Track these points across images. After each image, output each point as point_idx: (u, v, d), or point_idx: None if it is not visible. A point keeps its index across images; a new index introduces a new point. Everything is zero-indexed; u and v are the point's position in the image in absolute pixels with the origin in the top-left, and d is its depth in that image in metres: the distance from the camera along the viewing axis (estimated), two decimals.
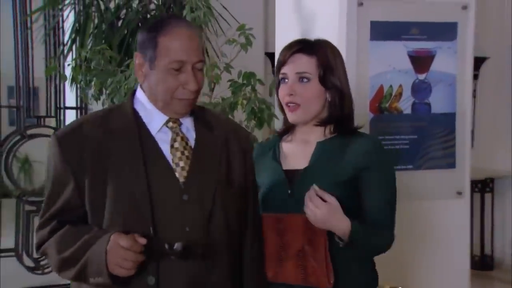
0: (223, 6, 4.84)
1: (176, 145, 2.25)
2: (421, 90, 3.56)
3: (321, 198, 2.33)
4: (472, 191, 7.03)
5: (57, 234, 2.20)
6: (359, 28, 3.35)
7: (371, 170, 2.46)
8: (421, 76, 3.56)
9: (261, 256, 2.47)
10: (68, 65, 4.22)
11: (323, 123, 2.53)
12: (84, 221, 2.21)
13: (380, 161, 2.49)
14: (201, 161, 2.27)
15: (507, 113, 7.27)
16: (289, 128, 2.63)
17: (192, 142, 2.28)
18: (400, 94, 3.53)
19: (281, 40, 3.94)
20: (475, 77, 7.17)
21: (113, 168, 2.17)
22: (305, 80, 2.48)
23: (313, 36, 3.57)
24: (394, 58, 3.48)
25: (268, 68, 6.80)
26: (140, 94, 2.30)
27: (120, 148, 2.19)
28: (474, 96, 7.01)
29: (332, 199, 2.33)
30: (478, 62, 7.14)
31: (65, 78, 4.16)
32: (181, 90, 2.20)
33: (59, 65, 5.02)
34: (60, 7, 5.13)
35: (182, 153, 2.25)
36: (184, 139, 2.27)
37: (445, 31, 3.58)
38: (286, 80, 2.51)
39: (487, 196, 7.28)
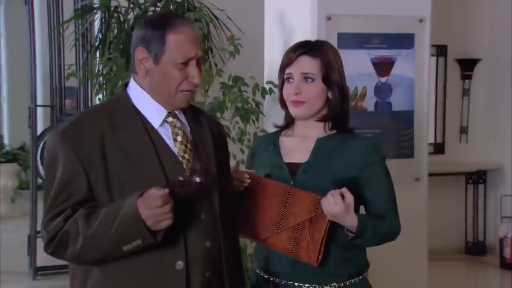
0: (228, 17, 5.40)
1: (179, 138, 2.29)
2: (383, 91, 4.11)
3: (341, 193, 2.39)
4: (466, 182, 7.51)
5: (73, 218, 2.15)
6: (328, 38, 3.71)
7: (372, 167, 2.55)
8: (383, 79, 4.11)
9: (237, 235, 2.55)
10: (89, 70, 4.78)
11: (323, 119, 2.61)
12: None
13: (379, 159, 2.59)
14: (202, 153, 2.33)
15: (499, 110, 7.49)
16: (289, 124, 2.70)
17: (188, 135, 2.33)
18: (364, 95, 4.08)
19: (269, 47, 4.55)
20: (469, 77, 7.53)
21: (129, 162, 2.18)
22: (309, 80, 2.56)
23: (292, 43, 4.17)
24: (358, 64, 4.03)
25: None
26: (135, 88, 2.30)
27: (132, 142, 2.21)
28: (468, 95, 7.53)
29: (350, 198, 2.39)
30: (472, 63, 7.52)
31: (83, 81, 4.73)
32: (186, 83, 2.25)
33: (85, 69, 5.58)
34: (87, 17, 5.74)
35: (186, 146, 2.29)
36: (185, 133, 2.32)
37: (404, 40, 4.13)
38: (291, 80, 2.59)
39: (480, 187, 7.52)
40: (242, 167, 4.18)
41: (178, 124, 2.31)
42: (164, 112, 2.29)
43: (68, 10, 6.30)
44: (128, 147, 2.19)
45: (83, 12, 5.63)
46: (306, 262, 2.46)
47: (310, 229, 2.44)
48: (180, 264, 2.19)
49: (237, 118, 4.18)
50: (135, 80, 2.30)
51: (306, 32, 4.01)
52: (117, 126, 2.22)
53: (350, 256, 2.56)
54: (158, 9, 5.35)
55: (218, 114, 4.13)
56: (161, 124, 2.28)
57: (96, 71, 4.98)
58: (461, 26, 7.52)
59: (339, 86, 2.58)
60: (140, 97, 2.29)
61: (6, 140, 11.47)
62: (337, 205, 2.36)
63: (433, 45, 7.23)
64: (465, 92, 7.62)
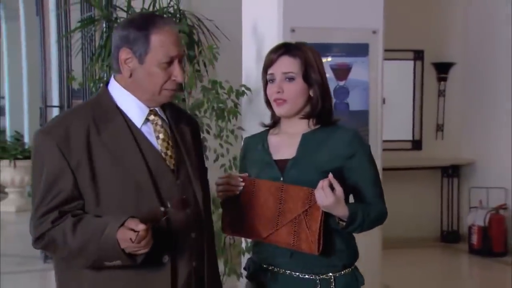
0: (216, 27, 5.95)
1: (161, 136, 2.31)
2: (341, 93, 4.58)
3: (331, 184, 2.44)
4: (442, 176, 8.01)
5: (61, 225, 2.16)
6: None
7: (356, 156, 2.60)
8: (341, 83, 4.58)
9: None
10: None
11: (307, 116, 2.65)
12: (82, 211, 2.21)
13: (362, 148, 2.64)
14: (182, 147, 2.36)
15: (472, 110, 7.97)
16: (275, 122, 2.76)
17: (169, 132, 2.35)
18: None
19: (246, 53, 5.04)
20: (444, 79, 8.03)
21: (116, 161, 2.20)
22: (291, 79, 2.61)
23: (263, 51, 4.69)
24: None
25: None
26: (117, 87, 2.30)
27: (116, 141, 2.22)
28: (443, 95, 8.06)
29: (339, 190, 2.44)
30: (447, 66, 8.01)
31: (82, 85, 5.31)
32: (170, 82, 2.27)
33: (88, 74, 6.15)
34: (91, 27, 6.35)
35: (168, 143, 2.32)
36: (167, 130, 2.34)
37: (359, 49, 4.60)
38: (274, 80, 2.64)
39: (455, 181, 7.99)
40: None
41: (160, 122, 2.33)
42: (146, 110, 2.30)
43: (75, 20, 6.82)
44: (113, 146, 2.21)
45: (87, 22, 6.25)
46: (308, 253, 2.52)
47: (306, 221, 2.51)
48: (166, 257, 2.23)
49: (210, 116, 4.65)
50: (116, 79, 2.31)
51: (274, 42, 4.44)
52: (101, 124, 2.23)
53: (345, 247, 2.64)
54: None
55: (200, 113, 4.64)
56: (144, 123, 2.30)
57: (98, 75, 5.58)
58: (437, 32, 8.01)
59: (320, 84, 2.64)
60: (122, 96, 2.29)
61: (26, 139, 12.03)
62: (328, 197, 2.43)
63: (410, 50, 7.90)
64: (441, 93, 8.10)
